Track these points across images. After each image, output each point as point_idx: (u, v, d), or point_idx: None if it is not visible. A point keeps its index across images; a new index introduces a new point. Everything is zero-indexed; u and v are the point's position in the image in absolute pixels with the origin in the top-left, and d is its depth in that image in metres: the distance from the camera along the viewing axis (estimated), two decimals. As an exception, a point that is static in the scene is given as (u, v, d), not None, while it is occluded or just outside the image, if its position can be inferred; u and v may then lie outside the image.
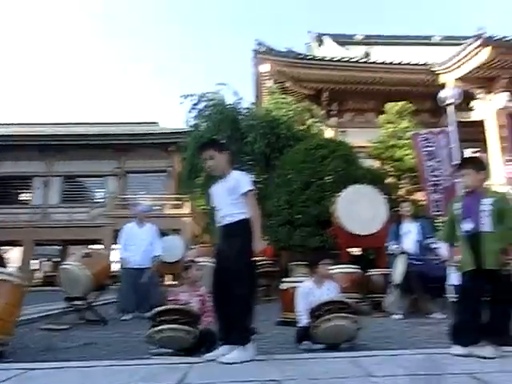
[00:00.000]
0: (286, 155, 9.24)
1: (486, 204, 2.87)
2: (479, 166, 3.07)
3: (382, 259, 7.23)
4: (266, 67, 12.97)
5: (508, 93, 12.86)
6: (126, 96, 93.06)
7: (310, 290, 3.96)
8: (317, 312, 3.31)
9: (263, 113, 10.76)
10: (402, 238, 5.93)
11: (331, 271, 5.93)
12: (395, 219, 6.34)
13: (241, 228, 2.89)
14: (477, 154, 10.60)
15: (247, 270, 2.86)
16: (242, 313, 2.80)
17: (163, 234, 7.48)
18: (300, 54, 13.73)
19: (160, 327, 3.16)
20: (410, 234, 5.91)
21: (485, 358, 2.60)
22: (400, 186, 11.07)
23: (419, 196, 9.14)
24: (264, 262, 8.22)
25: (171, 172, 20.85)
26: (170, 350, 3.31)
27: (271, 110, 10.95)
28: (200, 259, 5.38)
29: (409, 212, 6.13)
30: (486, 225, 2.82)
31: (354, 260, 7.41)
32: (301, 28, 71.82)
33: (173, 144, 18.79)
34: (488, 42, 11.64)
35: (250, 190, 2.98)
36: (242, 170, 3.40)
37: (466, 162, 3.20)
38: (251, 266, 2.95)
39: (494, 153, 13.02)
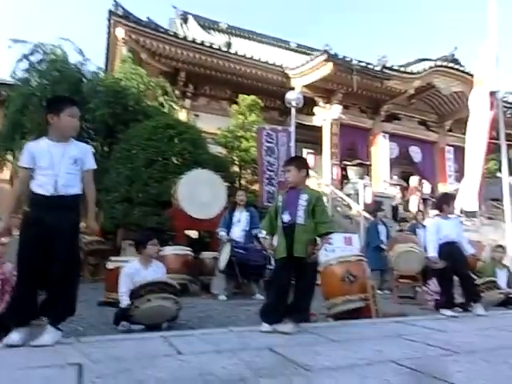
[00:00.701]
0: (132, 129, 8.73)
1: (303, 199, 3.17)
2: (301, 164, 3.36)
3: (215, 243, 7.52)
4: (120, 32, 11.99)
5: (341, 106, 14.63)
6: None
7: (135, 271, 3.87)
8: (138, 292, 3.25)
9: (111, 80, 9.88)
10: (232, 226, 6.24)
11: (163, 252, 5.97)
12: (231, 206, 6.60)
13: (76, 203, 2.71)
14: (308, 155, 11.84)
15: (75, 248, 2.74)
16: (66, 292, 2.60)
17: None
18: (161, 28, 13.10)
19: (148, 296, 3.19)
20: (240, 223, 6.25)
21: (285, 333, 2.91)
22: (243, 175, 11.62)
23: (258, 187, 9.74)
24: (92, 240, 7.77)
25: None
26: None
27: (121, 78, 10.13)
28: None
29: (242, 201, 6.45)
30: (300, 218, 3.13)
31: (190, 242, 7.53)
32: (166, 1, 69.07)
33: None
34: (331, 58, 12.99)
35: (93, 169, 2.89)
36: (81, 137, 3.14)
37: (291, 161, 3.51)
38: (77, 246, 2.83)
39: (326, 156, 14.71)
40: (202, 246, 7.50)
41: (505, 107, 11.98)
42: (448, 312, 4.00)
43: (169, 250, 6.07)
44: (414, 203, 14.09)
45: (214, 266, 6.46)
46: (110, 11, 12.18)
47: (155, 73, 12.99)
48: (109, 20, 12.57)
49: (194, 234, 8.42)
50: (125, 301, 3.56)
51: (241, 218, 6.28)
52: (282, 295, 3.11)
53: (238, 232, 6.18)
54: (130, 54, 11.72)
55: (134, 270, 3.86)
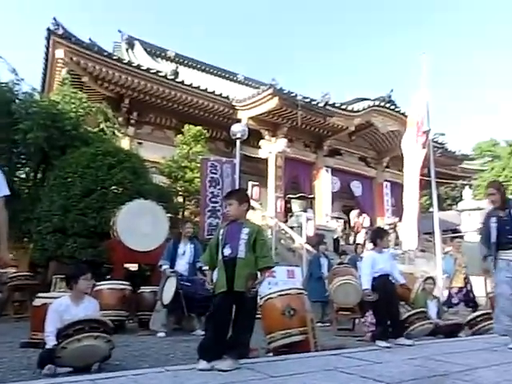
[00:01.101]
0: (69, 156, 8.35)
1: (244, 233, 3.16)
2: (243, 198, 3.37)
3: (157, 277, 7.26)
4: (60, 53, 11.59)
5: (286, 140, 15.09)
6: None
7: (65, 307, 3.60)
8: (65, 332, 3.02)
9: (48, 103, 9.43)
10: (176, 258, 6.05)
11: (98, 287, 5.66)
12: (175, 238, 6.42)
13: None
14: (254, 188, 11.95)
15: None
16: None
17: None
18: (104, 51, 12.89)
19: (77, 336, 2.97)
20: (185, 255, 6.09)
21: (224, 370, 2.82)
22: (186, 206, 11.47)
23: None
24: (18, 275, 7.23)
25: None
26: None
27: (58, 101, 9.67)
28: None
29: (189, 233, 6.30)
30: (242, 252, 3.11)
31: (129, 276, 7.22)
32: (111, 25, 68.46)
33: None
34: (277, 93, 13.50)
35: (6, 196, 2.75)
36: (11, 162, 2.97)
37: (232, 193, 3.51)
38: None
39: (271, 189, 14.96)
40: (142, 280, 7.21)
41: (435, 147, 12.95)
42: (383, 343, 4.10)
43: (104, 285, 5.76)
44: (361, 236, 14.58)
45: (154, 301, 6.22)
46: (49, 30, 11.74)
47: (98, 98, 12.68)
48: (48, 39, 12.13)
49: (133, 267, 8.10)
50: (51, 341, 3.29)
51: (186, 249, 6.13)
52: (221, 330, 3.04)
53: (182, 265, 6.01)
54: (69, 77, 11.28)
55: (63, 306, 3.60)
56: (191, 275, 5.92)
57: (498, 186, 4.37)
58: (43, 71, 13.84)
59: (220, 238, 3.23)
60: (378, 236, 4.68)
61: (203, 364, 2.91)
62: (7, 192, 2.73)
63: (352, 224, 15.72)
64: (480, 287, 9.79)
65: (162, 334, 5.53)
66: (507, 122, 65.80)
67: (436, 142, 15.88)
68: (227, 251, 3.13)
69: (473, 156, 23.99)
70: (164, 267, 6.01)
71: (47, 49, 12.53)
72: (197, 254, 6.05)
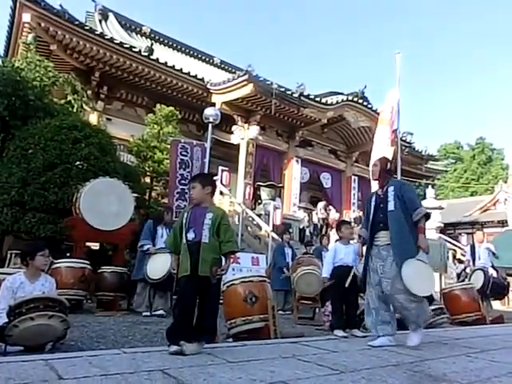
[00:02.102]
0: (31, 127, 7.92)
1: (208, 218, 3.13)
2: (206, 181, 3.32)
3: (119, 257, 7.12)
4: (27, 17, 10.91)
5: (259, 127, 15.04)
6: None
7: (19, 285, 3.48)
8: (18, 309, 2.90)
9: (10, 69, 8.83)
10: (156, 240, 6.29)
11: (56, 264, 5.50)
12: (155, 220, 6.57)
13: None
14: (223, 173, 11.87)
15: None
16: None
17: None
18: (76, 20, 12.17)
19: (30, 315, 2.86)
20: (163, 238, 6.13)
21: (185, 354, 2.80)
22: (154, 187, 11.25)
23: (168, 200, 9.49)
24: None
25: None
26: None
27: (22, 68, 9.14)
28: None
29: (170, 220, 6.53)
30: (205, 236, 3.08)
31: (89, 255, 7.04)
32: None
33: None
34: (252, 79, 13.34)
35: None
36: None
37: (196, 177, 3.48)
38: None
39: (241, 175, 14.91)
40: (103, 260, 7.05)
41: (403, 145, 13.26)
42: (340, 333, 4.20)
43: (63, 263, 5.60)
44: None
45: (114, 282, 6.13)
46: (17, -9, 11.03)
47: (66, 68, 12.12)
48: (14, 1, 11.37)
49: (95, 245, 7.91)
50: (2, 319, 3.16)
51: (163, 233, 6.33)
52: (186, 314, 3.01)
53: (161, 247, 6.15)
54: (34, 43, 10.64)
55: (17, 283, 3.46)
56: None
57: (384, 160, 4.17)
58: (7, 35, 12.97)
59: (184, 221, 3.18)
60: (339, 227, 4.81)
61: (174, 348, 2.88)
62: None
63: (319, 215, 15.91)
64: (435, 283, 10.23)
65: (147, 313, 5.81)
66: (470, 126, 68.52)
67: (404, 140, 16.26)
68: (191, 235, 3.10)
69: (438, 157, 24.78)
70: (147, 246, 6.19)
71: (13, 11, 11.73)
72: None
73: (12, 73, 8.58)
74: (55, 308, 3.04)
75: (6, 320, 3.06)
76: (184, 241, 3.12)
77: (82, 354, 2.79)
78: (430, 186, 20.74)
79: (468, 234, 19.71)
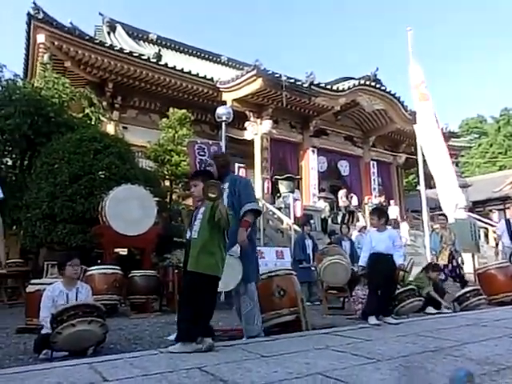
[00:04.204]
0: (54, 142, 8.24)
1: (200, 212, 3.12)
2: (207, 178, 3.26)
3: (147, 260, 7.30)
4: (41, 38, 11.35)
5: (271, 120, 15.03)
6: None
7: (59, 293, 3.64)
8: (59, 317, 3.06)
9: (30, 89, 9.25)
10: None
11: (90, 272, 5.70)
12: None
13: None
14: (240, 169, 11.91)
15: None
16: None
17: None
18: (86, 35, 12.59)
19: (72, 321, 2.97)
20: None
21: (171, 352, 2.87)
22: (174, 190, 11.43)
23: (190, 201, 9.65)
24: (10, 261, 7.23)
25: None
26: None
27: (41, 87, 9.54)
28: None
29: None
30: (195, 232, 3.08)
31: (118, 260, 7.24)
32: (92, 7, 66.80)
33: None
34: (261, 74, 13.34)
35: (2, 198, 2.67)
36: None
37: (197, 174, 3.42)
38: None
39: (257, 170, 14.95)
40: (132, 264, 7.24)
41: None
42: (373, 320, 4.16)
43: (95, 270, 5.79)
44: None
45: (145, 285, 6.30)
46: (30, 14, 11.47)
47: (81, 82, 12.44)
48: (28, 24, 11.87)
49: (123, 251, 8.12)
50: (46, 326, 3.33)
51: None
52: (183, 310, 3.05)
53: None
54: (51, 62, 11.06)
55: (56, 292, 3.63)
56: None
57: (219, 158, 4.04)
58: (25, 57, 13.51)
59: (190, 222, 3.23)
60: (373, 215, 4.70)
61: (176, 347, 2.95)
62: (1, 195, 2.69)
63: (340, 203, 15.83)
64: (468, 263, 10.01)
65: None
66: (493, 98, 66.33)
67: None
68: (188, 234, 3.15)
69: (460, 133, 24.10)
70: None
71: (28, 34, 12.24)
72: None
73: (32, 93, 8.97)
74: (93, 313, 3.19)
75: (49, 327, 3.23)
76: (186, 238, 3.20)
77: (122, 356, 2.89)
78: (453, 164, 20.25)
79: (500, 210, 19.10)
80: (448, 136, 19.47)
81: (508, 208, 9.35)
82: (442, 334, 3.44)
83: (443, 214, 6.83)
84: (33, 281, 4.84)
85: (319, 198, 15.80)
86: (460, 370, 1.32)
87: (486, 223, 16.35)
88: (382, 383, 2.13)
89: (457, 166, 20.56)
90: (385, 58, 76.43)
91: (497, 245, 9.73)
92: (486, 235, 15.14)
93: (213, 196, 2.90)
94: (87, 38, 12.46)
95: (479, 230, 11.53)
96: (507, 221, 8.46)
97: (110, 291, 5.77)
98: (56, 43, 11.71)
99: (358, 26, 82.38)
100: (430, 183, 11.00)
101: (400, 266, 4.30)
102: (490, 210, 20.03)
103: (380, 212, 4.74)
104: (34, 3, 11.44)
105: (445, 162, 9.29)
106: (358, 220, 14.81)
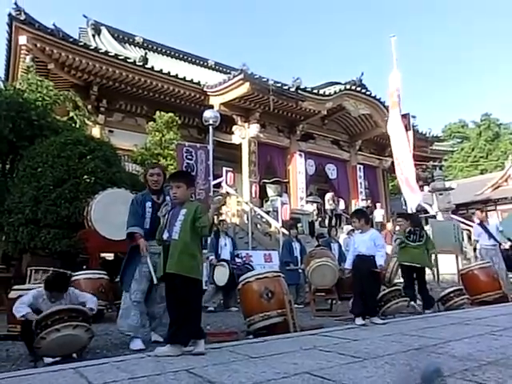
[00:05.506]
0: (38, 146, 8.07)
1: (181, 214, 3.10)
2: (190, 182, 3.30)
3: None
4: (23, 40, 11.15)
5: (259, 124, 15.07)
6: None
7: (42, 300, 3.57)
8: (43, 322, 3.00)
9: (12, 92, 9.05)
10: (219, 249, 7.46)
11: (75, 277, 5.60)
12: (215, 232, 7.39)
13: None
14: (228, 173, 11.95)
15: None
16: None
17: None
18: (70, 37, 12.39)
19: (56, 326, 2.95)
20: (227, 246, 7.59)
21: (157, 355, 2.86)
22: (161, 194, 11.31)
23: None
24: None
25: None
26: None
27: (24, 90, 9.34)
28: None
29: (226, 228, 7.84)
30: (175, 233, 3.06)
31: (104, 265, 7.14)
32: (76, 9, 66.41)
33: None
34: (248, 78, 13.38)
35: None
36: None
37: (180, 176, 3.38)
38: None
39: (245, 174, 14.97)
40: (118, 269, 7.13)
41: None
42: (360, 321, 4.23)
43: (81, 275, 5.70)
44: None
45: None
46: (11, 15, 11.23)
47: (65, 85, 12.28)
48: (10, 25, 11.61)
49: (109, 256, 8.01)
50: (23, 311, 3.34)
51: (226, 242, 7.65)
52: (177, 313, 2.99)
53: (226, 254, 7.51)
54: (33, 64, 10.87)
55: (40, 299, 3.56)
56: (233, 261, 7.44)
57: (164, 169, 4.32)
58: (6, 59, 13.26)
59: (162, 222, 3.18)
60: (353, 217, 4.76)
61: (165, 350, 2.94)
62: None
63: (327, 206, 15.92)
64: (452, 264, 10.18)
65: (211, 308, 6.86)
66: (474, 104, 67.79)
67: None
68: (166, 235, 3.10)
69: (443, 137, 24.51)
70: (210, 257, 7.30)
71: (9, 35, 11.99)
72: (234, 244, 7.89)
73: (14, 95, 8.78)
74: (79, 318, 3.14)
75: (27, 311, 3.26)
76: (161, 242, 3.15)
77: (108, 360, 2.86)
78: (437, 168, 20.56)
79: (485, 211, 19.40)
80: (431, 140, 19.86)
81: (475, 213, 9.94)
82: (427, 333, 3.51)
83: (401, 216, 6.93)
84: (15, 287, 4.75)
85: (307, 201, 15.88)
86: (429, 366, 1.34)
87: (468, 225, 16.65)
88: (368, 381, 2.16)
89: (440, 169, 20.87)
90: (370, 63, 77.49)
91: (474, 249, 10.02)
92: (469, 237, 15.40)
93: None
94: (71, 40, 12.26)
95: (462, 232, 11.80)
96: (480, 223, 8.75)
97: (96, 296, 5.68)
98: (39, 45, 11.52)
99: (344, 30, 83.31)
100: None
101: (380, 266, 4.32)
102: (473, 213, 20.37)
103: (360, 214, 4.79)
104: (16, 4, 11.23)
105: (409, 168, 9.64)
106: (346, 223, 14.90)
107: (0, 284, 7.23)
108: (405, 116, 9.56)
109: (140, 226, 3.93)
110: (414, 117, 18.35)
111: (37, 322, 3.05)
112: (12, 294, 4.49)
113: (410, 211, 9.24)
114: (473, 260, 11.44)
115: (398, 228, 7.67)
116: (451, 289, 6.31)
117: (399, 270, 6.60)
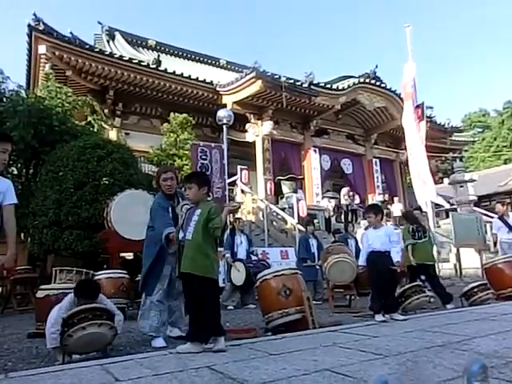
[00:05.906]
0: (59, 151, 8.36)
1: (196, 214, 3.14)
2: (202, 182, 3.28)
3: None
4: (42, 49, 11.53)
5: (272, 121, 15.05)
6: None
7: (71, 299, 3.67)
8: (70, 320, 3.10)
9: (33, 99, 9.39)
10: (235, 247, 7.39)
11: (98, 277, 5.76)
12: (230, 230, 7.36)
13: None
14: (242, 171, 11.99)
15: None
16: None
17: None
18: (86, 44, 12.75)
19: (82, 324, 3.05)
20: (242, 244, 7.49)
21: (179, 352, 2.93)
22: (178, 194, 11.45)
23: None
24: (18, 268, 7.32)
25: None
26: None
27: (44, 97, 9.68)
28: None
29: (242, 226, 7.67)
30: (189, 233, 3.10)
31: (124, 264, 7.29)
32: (91, 16, 67.56)
33: None
34: (260, 75, 13.36)
35: (15, 204, 2.79)
36: None
37: (191, 177, 3.39)
38: None
39: (260, 172, 14.99)
40: (138, 268, 7.28)
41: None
42: (379, 317, 4.19)
43: (102, 275, 5.84)
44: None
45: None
46: (30, 26, 11.62)
47: (83, 91, 12.56)
48: (29, 35, 12.03)
49: (129, 255, 8.18)
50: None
51: (242, 240, 7.53)
52: (193, 310, 3.09)
53: (242, 252, 7.44)
54: (53, 72, 11.23)
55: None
56: (248, 258, 7.40)
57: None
58: (27, 68, 13.67)
59: (180, 223, 3.24)
60: (368, 212, 4.72)
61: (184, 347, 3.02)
62: (15, 200, 2.78)
63: (342, 202, 15.82)
64: (475, 258, 9.90)
65: (231, 307, 6.87)
66: (496, 92, 66.02)
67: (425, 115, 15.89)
68: (181, 235, 3.15)
69: (462, 127, 23.89)
70: (226, 255, 7.28)
71: (29, 45, 12.40)
72: (250, 242, 7.77)
73: (36, 103, 9.10)
74: (103, 316, 3.23)
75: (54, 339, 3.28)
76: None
77: (132, 357, 2.94)
78: (457, 159, 20.12)
79: (508, 204, 18.89)
80: (451, 131, 19.44)
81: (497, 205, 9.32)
82: (450, 329, 3.43)
83: (417, 209, 6.81)
84: (42, 286, 4.90)
85: (325, 197, 15.78)
86: (475, 363, 1.34)
87: (492, 217, 16.13)
88: (391, 378, 2.12)
89: (461, 160, 20.36)
90: (385, 54, 76.42)
91: (494, 243, 9.75)
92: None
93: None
94: (87, 47, 12.61)
95: (485, 225, 11.41)
96: (500, 217, 8.54)
97: (118, 295, 5.80)
98: (57, 53, 11.87)
99: (357, 22, 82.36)
100: (433, 179, 11.01)
101: (396, 263, 4.27)
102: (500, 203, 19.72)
103: (376, 209, 4.72)
104: (35, 15, 11.61)
105: (421, 161, 9.44)
106: (362, 218, 14.78)
107: (27, 284, 7.48)
108: (418, 106, 9.42)
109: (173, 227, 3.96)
110: (431, 107, 18.12)
111: (63, 320, 3.15)
112: (39, 294, 4.65)
113: (421, 206, 9.03)
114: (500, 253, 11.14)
115: (366, 223, 7.31)
116: (475, 284, 6.11)
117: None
